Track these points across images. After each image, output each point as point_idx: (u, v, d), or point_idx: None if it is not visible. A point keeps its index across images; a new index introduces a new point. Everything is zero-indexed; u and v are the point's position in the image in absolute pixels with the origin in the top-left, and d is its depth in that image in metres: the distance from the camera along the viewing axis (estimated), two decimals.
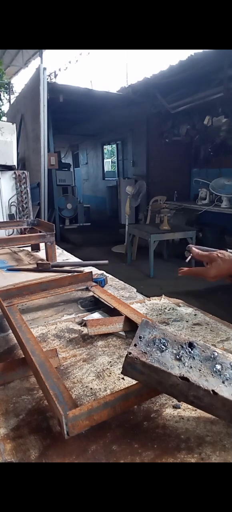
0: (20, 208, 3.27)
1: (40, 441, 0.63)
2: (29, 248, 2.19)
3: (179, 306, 1.24)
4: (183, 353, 0.64)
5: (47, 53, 12.35)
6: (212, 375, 0.61)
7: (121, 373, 0.66)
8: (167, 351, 0.65)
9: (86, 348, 0.96)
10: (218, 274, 0.88)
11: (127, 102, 7.80)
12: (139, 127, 8.96)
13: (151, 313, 1.18)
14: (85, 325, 1.06)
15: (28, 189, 3.30)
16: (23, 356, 0.85)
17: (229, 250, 0.91)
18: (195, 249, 0.93)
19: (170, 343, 0.66)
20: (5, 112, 12.02)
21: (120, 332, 1.02)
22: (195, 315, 1.16)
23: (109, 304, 1.18)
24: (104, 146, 12.96)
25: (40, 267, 1.73)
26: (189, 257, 0.95)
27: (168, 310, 1.20)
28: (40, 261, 1.84)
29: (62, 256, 2.05)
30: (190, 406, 0.67)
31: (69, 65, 11.45)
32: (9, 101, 11.08)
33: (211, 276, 0.88)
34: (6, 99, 12.58)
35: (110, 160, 18.36)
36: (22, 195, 3.25)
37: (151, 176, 8.65)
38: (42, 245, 2.07)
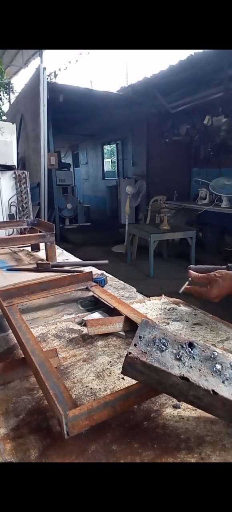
0: (20, 208, 3.27)
1: (40, 441, 0.63)
2: (29, 248, 2.19)
3: (179, 306, 1.24)
4: (183, 353, 0.64)
5: (47, 53, 12.38)
6: (212, 375, 0.61)
7: (121, 373, 0.66)
8: (167, 351, 0.65)
9: (86, 348, 0.96)
10: (219, 293, 0.90)
11: (127, 102, 7.79)
12: (139, 127, 8.95)
13: (151, 313, 1.18)
14: (85, 325, 1.06)
15: (28, 189, 3.30)
16: (23, 356, 0.85)
17: (229, 264, 0.91)
18: (192, 272, 0.94)
19: (170, 343, 0.66)
20: (5, 112, 12.02)
21: (120, 332, 1.02)
22: (195, 315, 1.16)
23: (109, 304, 1.18)
24: (104, 146, 12.95)
25: (40, 267, 1.73)
26: (183, 287, 0.97)
27: (168, 310, 1.20)
28: (40, 261, 1.84)
29: (62, 256, 2.05)
30: (190, 406, 0.67)
31: (69, 65, 11.46)
32: (9, 101, 11.09)
33: (213, 297, 0.90)
34: (6, 99, 12.59)
35: (110, 160, 18.35)
36: (22, 195, 3.25)
37: (151, 176, 8.64)
38: (42, 245, 2.07)
